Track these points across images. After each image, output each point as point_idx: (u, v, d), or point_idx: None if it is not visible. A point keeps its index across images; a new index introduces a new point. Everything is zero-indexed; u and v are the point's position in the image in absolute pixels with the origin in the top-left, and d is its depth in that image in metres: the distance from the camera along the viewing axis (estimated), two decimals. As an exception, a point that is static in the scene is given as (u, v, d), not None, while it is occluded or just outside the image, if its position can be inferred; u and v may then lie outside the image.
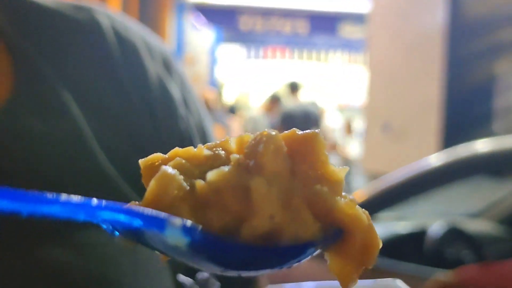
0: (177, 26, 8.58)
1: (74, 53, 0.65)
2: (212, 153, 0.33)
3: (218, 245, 0.29)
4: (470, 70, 5.42)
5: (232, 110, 8.31)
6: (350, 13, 7.78)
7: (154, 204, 0.29)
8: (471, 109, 5.38)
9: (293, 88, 7.30)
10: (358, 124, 8.68)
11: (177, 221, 0.28)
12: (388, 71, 5.91)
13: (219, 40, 8.48)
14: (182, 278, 0.62)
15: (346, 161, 8.14)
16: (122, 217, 0.29)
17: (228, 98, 10.15)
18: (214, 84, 8.32)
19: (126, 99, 0.66)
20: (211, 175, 0.30)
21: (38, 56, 0.63)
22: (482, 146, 3.04)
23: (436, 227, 2.82)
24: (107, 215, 0.28)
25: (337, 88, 11.16)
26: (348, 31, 8.03)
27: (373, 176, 5.74)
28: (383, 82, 5.99)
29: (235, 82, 11.15)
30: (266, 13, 7.64)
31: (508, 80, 5.22)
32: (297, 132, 0.33)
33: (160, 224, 0.28)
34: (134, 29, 0.70)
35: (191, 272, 0.65)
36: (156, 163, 0.32)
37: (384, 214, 3.37)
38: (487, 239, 3.15)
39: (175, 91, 0.68)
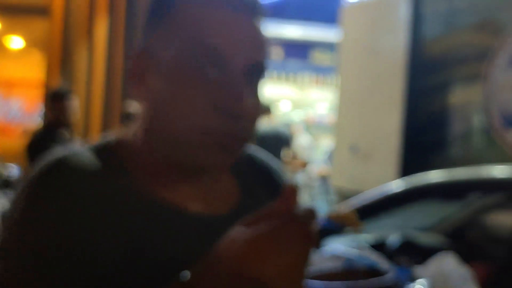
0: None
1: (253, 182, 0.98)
2: None
3: None
4: (427, 102, 5.65)
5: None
6: (321, 42, 8.15)
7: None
8: (427, 136, 5.61)
9: (265, 110, 7.52)
10: (326, 142, 9.04)
11: None
12: (356, 99, 6.11)
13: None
14: None
15: (315, 178, 8.60)
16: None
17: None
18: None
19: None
20: None
21: (253, 183, 0.96)
22: (434, 176, 3.53)
23: (392, 239, 3.21)
24: None
25: (307, 109, 11.60)
26: (319, 58, 8.44)
27: (341, 192, 6.02)
28: (351, 109, 6.19)
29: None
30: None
31: (460, 112, 5.48)
32: None
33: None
34: (269, 161, 1.06)
35: None
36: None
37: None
38: (433, 248, 3.63)
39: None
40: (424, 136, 5.64)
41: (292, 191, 0.67)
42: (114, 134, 0.91)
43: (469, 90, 5.44)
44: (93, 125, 8.30)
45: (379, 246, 3.14)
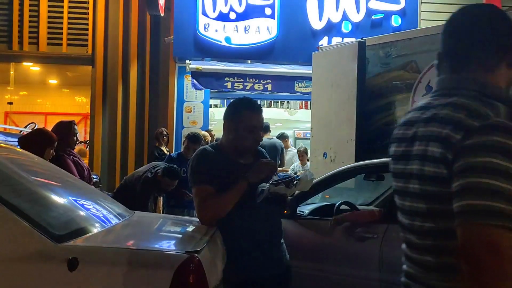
0: (178, 85, 10.57)
1: None
2: None
3: None
4: (372, 120, 6.92)
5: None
6: (303, 75, 9.77)
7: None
8: (374, 144, 6.82)
9: (265, 128, 8.95)
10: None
11: None
12: (326, 119, 7.36)
13: (209, 95, 10.44)
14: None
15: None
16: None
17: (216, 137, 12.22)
18: (206, 127, 10.23)
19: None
20: None
21: (258, 156, 3.33)
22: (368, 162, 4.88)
23: (338, 204, 4.87)
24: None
25: (295, 126, 13.55)
26: (301, 87, 10.01)
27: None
28: (321, 127, 7.45)
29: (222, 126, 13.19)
30: (244, 75, 9.62)
31: (395, 126, 6.12)
32: None
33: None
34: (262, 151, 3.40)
35: None
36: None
37: (317, 198, 5.44)
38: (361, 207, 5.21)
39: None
40: (372, 144, 6.92)
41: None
42: (218, 141, 3.26)
43: (400, 111, 6.73)
44: (130, 143, 10.42)
45: (331, 207, 4.84)
